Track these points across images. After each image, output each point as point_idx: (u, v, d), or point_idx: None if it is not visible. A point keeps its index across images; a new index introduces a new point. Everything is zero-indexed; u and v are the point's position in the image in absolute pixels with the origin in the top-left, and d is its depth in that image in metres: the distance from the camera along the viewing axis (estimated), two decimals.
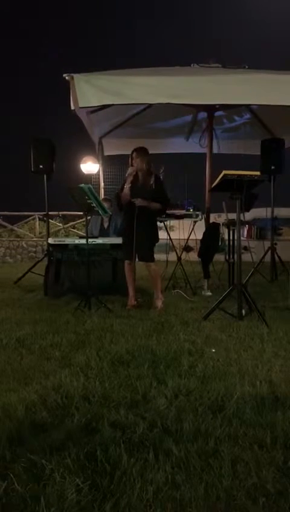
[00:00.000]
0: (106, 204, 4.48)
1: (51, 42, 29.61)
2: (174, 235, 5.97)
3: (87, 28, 33.80)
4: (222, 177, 3.51)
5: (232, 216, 4.20)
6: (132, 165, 4.23)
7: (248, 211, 4.66)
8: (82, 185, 3.90)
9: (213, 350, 2.66)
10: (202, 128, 6.08)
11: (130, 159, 4.26)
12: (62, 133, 10.18)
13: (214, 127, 5.64)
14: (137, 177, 4.19)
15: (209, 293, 5.03)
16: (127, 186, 4.15)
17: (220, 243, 5.54)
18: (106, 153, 7.10)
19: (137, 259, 4.29)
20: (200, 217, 5.37)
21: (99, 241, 4.99)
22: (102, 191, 7.24)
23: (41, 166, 6.02)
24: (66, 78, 3.91)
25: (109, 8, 31.78)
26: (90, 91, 3.91)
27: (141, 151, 4.23)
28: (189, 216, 5.33)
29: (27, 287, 5.64)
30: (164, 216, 5.20)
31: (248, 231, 9.68)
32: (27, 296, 5.02)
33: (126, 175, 4.20)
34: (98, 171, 7.87)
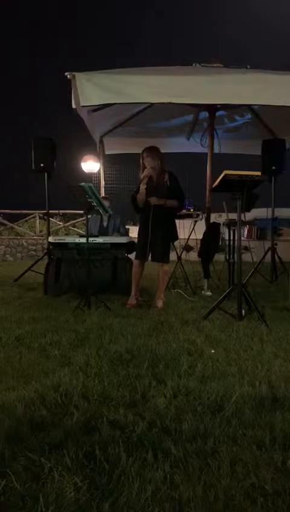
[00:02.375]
0: (106, 203, 4.48)
1: (51, 41, 29.60)
2: None
3: (88, 27, 33.80)
4: (223, 177, 3.51)
5: (233, 216, 4.20)
6: (142, 165, 4.21)
7: (248, 211, 4.66)
8: (83, 183, 3.90)
9: (213, 351, 2.66)
10: (203, 127, 6.08)
11: (140, 159, 4.24)
12: (63, 132, 10.17)
13: (215, 127, 5.64)
14: (151, 177, 4.17)
15: (209, 293, 5.03)
16: (142, 187, 4.13)
17: (220, 243, 5.54)
18: (107, 152, 7.09)
19: (150, 259, 4.27)
20: (200, 216, 5.37)
21: (100, 240, 4.98)
22: (102, 190, 7.23)
23: (42, 165, 6.02)
24: (68, 76, 3.91)
25: (110, 7, 31.76)
26: (92, 90, 3.90)
27: (151, 150, 4.21)
28: (189, 216, 5.33)
29: (27, 286, 5.64)
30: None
31: (248, 231, 9.67)
32: (27, 294, 5.02)
33: (141, 177, 4.18)
34: (99, 170, 7.85)
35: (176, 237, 4.40)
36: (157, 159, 4.17)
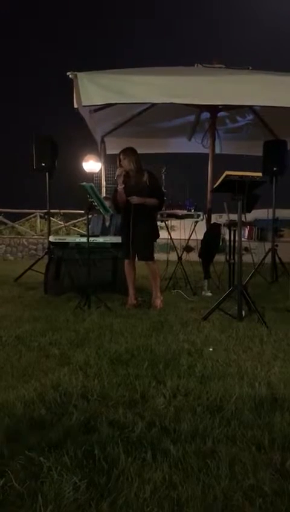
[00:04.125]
0: (107, 203, 4.48)
1: (52, 41, 29.63)
2: (175, 235, 5.97)
3: (90, 27, 33.85)
4: (224, 178, 3.51)
5: (234, 217, 4.20)
6: (120, 166, 4.24)
7: (249, 211, 4.66)
8: (84, 183, 3.90)
9: (211, 349, 2.66)
10: (205, 128, 6.08)
11: (118, 160, 4.28)
12: (64, 131, 10.17)
13: (216, 128, 5.64)
14: (129, 177, 4.19)
15: (209, 294, 5.03)
16: (120, 187, 4.15)
17: (220, 244, 5.54)
18: (108, 152, 7.10)
19: (137, 258, 4.29)
20: (201, 217, 5.37)
21: (100, 239, 4.99)
22: (104, 190, 7.24)
23: (43, 164, 6.01)
24: (70, 76, 3.92)
25: (111, 7, 31.79)
26: (94, 89, 3.91)
27: (127, 151, 4.23)
28: (190, 216, 5.32)
29: (27, 285, 5.64)
30: (165, 216, 5.21)
31: (248, 232, 9.68)
32: (27, 293, 5.02)
33: (116, 177, 4.21)
34: (100, 170, 7.86)
35: (157, 236, 4.41)
36: (134, 161, 4.18)
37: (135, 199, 4.10)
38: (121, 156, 4.22)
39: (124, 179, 4.17)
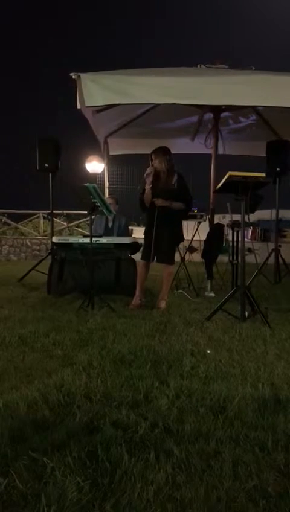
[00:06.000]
0: (109, 202, 4.48)
1: (54, 41, 29.68)
2: None
3: (92, 27, 33.93)
4: (227, 178, 3.50)
5: (237, 217, 4.19)
6: (151, 166, 4.22)
7: (252, 212, 4.65)
8: (87, 184, 3.91)
9: (208, 351, 2.65)
10: (208, 129, 6.07)
11: (150, 160, 4.26)
12: (68, 132, 10.20)
13: (219, 128, 5.63)
14: (159, 177, 4.17)
15: (212, 294, 5.02)
16: (148, 187, 4.13)
17: (224, 244, 5.53)
18: (111, 153, 7.10)
19: (156, 261, 4.27)
20: (204, 217, 5.36)
21: (103, 240, 4.99)
22: (106, 191, 7.24)
23: (46, 165, 6.03)
24: (73, 77, 3.92)
25: (112, 8, 31.84)
26: (97, 90, 3.91)
27: (159, 151, 4.21)
28: (193, 217, 5.32)
29: (31, 285, 5.66)
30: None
31: (252, 233, 9.65)
32: (30, 294, 5.03)
33: (145, 175, 4.19)
34: (103, 171, 7.87)
35: (181, 239, 4.39)
36: (164, 161, 4.16)
37: (159, 201, 4.08)
38: (153, 156, 4.20)
39: (153, 179, 4.14)
